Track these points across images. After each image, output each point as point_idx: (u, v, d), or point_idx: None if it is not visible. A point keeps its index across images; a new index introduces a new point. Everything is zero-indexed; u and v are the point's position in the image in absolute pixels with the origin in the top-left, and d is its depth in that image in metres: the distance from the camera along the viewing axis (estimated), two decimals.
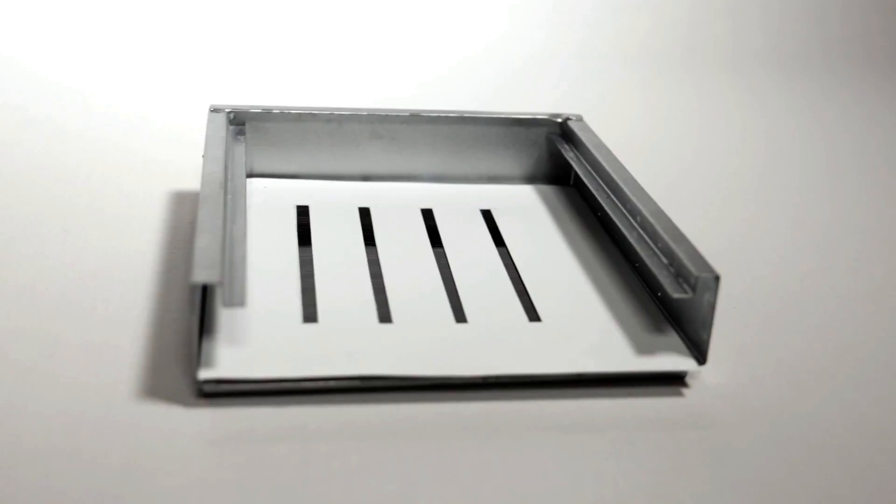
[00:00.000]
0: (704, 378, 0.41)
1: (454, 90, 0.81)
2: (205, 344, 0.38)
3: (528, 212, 0.53)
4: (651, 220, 0.43)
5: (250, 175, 0.54)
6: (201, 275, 0.35)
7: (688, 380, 0.41)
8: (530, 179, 0.57)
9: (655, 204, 0.45)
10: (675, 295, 0.39)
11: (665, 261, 0.42)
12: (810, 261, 0.54)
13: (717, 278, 0.39)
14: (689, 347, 0.41)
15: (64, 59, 0.80)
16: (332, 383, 0.37)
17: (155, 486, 0.32)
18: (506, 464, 0.35)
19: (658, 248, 0.42)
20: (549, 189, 0.56)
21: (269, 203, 0.51)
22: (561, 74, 0.87)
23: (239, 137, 0.51)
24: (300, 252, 0.46)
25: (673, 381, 0.41)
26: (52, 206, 0.53)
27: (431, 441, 0.35)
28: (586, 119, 0.57)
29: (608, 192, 0.49)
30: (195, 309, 0.35)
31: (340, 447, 0.35)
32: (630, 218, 0.46)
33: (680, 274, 0.40)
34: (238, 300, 0.35)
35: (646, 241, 0.43)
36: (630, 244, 0.45)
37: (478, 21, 0.92)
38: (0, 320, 0.41)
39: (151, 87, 0.76)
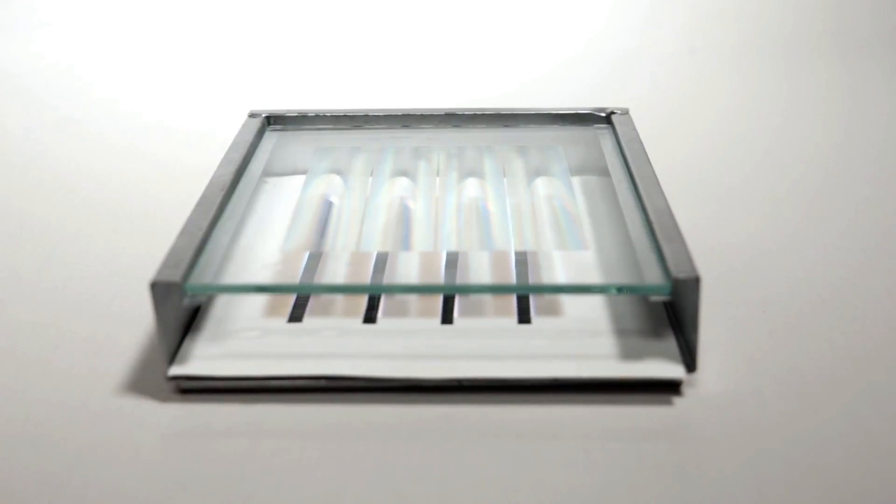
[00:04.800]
0: (703, 387, 0.38)
1: (554, 87, 0.80)
2: (187, 341, 0.39)
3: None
4: (652, 217, 0.41)
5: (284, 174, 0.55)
6: (163, 274, 0.37)
7: (685, 389, 0.38)
8: (580, 171, 0.54)
9: (664, 201, 0.42)
10: (652, 298, 0.37)
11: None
12: (870, 261, 0.48)
13: (696, 280, 0.36)
14: (683, 354, 0.38)
15: (107, 68, 0.83)
16: (299, 382, 0.38)
17: (96, 473, 0.33)
18: (445, 470, 0.34)
19: (652, 247, 0.40)
20: (598, 180, 0.53)
21: (294, 202, 0.51)
22: (657, 66, 0.84)
23: (267, 140, 0.53)
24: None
25: (666, 390, 0.38)
26: (104, 210, 0.56)
27: (378, 443, 0.35)
28: (672, 112, 0.54)
29: (628, 185, 0.46)
30: (157, 307, 0.36)
31: (286, 445, 0.35)
32: (639, 214, 0.43)
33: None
34: (196, 299, 0.36)
35: (646, 239, 0.41)
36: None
37: (574, 18, 0.89)
38: (25, 312, 0.44)
39: (197, 95, 0.78)
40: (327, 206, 0.47)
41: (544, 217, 0.45)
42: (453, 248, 0.43)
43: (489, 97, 0.75)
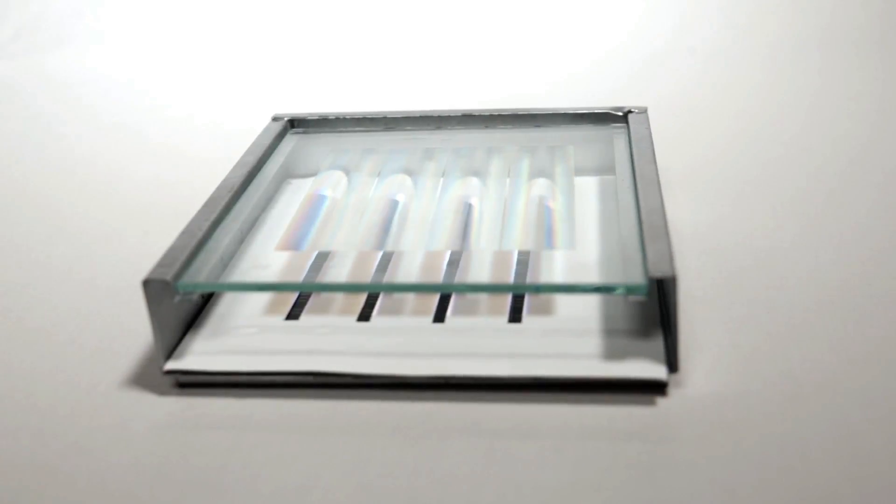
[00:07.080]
0: (690, 388, 0.38)
1: (586, 85, 0.79)
2: (188, 337, 0.41)
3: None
4: (643, 216, 0.41)
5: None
6: (155, 272, 0.38)
7: (671, 389, 0.38)
8: (597, 171, 0.54)
9: (659, 200, 0.42)
10: (629, 298, 0.37)
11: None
12: (885, 262, 0.47)
13: (673, 279, 0.36)
14: (668, 354, 0.38)
15: (156, 78, 0.86)
16: (287, 378, 0.39)
17: (84, 463, 0.35)
18: (416, 466, 0.34)
19: (638, 246, 0.39)
20: (613, 180, 0.53)
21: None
22: (689, 64, 0.82)
23: (286, 142, 0.54)
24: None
25: (651, 390, 0.38)
26: (139, 212, 0.58)
27: (357, 438, 0.36)
28: (703, 109, 0.53)
29: (630, 184, 0.46)
30: (150, 304, 0.38)
31: (269, 439, 0.36)
32: (634, 213, 0.43)
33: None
34: (189, 297, 0.38)
35: (634, 239, 0.41)
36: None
37: (604, 18, 0.89)
38: (47, 307, 0.47)
39: (232, 98, 0.80)
40: (322, 204, 0.48)
41: (533, 217, 0.45)
42: (438, 246, 0.44)
43: (516, 97, 0.75)
